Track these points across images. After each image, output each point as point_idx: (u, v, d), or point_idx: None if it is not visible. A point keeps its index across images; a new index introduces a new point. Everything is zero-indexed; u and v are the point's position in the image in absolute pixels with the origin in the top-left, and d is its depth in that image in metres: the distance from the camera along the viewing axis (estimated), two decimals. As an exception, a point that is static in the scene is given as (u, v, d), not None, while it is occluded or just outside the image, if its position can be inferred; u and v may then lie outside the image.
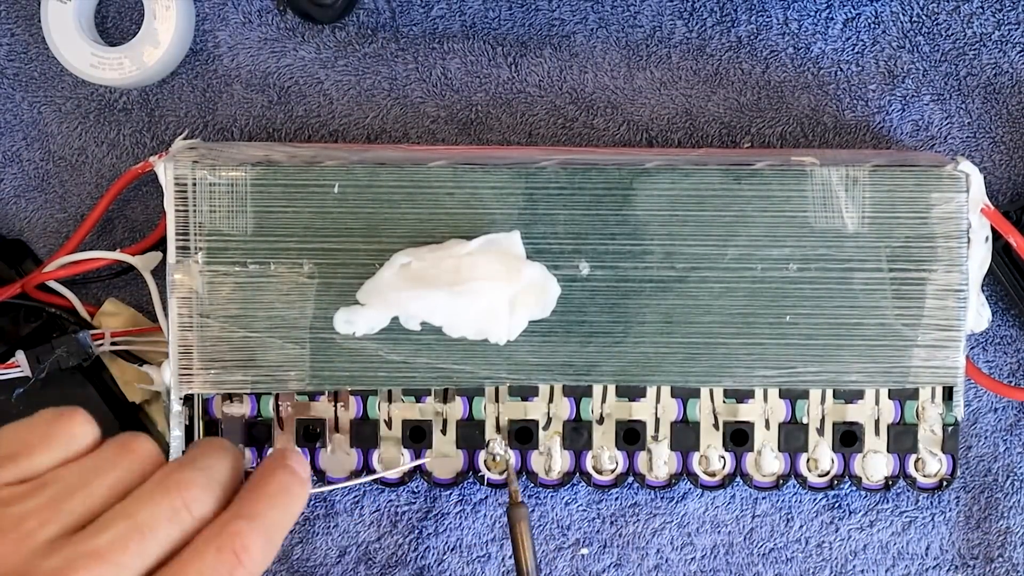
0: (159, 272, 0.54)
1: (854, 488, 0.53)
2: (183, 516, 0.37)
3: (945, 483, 0.52)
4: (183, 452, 0.40)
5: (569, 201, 0.50)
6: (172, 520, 0.37)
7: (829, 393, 0.51)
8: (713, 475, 0.52)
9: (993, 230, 0.51)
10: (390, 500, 0.56)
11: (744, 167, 0.50)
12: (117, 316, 0.55)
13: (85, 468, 0.38)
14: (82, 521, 0.37)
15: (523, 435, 0.52)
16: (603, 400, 0.51)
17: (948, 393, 0.51)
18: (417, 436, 0.52)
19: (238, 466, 0.40)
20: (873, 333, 0.50)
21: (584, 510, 0.56)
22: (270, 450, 0.49)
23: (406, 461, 0.52)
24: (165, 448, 0.53)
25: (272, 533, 0.38)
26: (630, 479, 0.52)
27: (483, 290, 0.47)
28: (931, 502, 0.56)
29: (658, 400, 0.51)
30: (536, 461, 0.52)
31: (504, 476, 0.52)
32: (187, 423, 0.51)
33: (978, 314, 0.51)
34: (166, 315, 0.51)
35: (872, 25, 0.56)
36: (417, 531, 0.56)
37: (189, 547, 0.37)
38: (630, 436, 0.52)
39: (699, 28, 0.56)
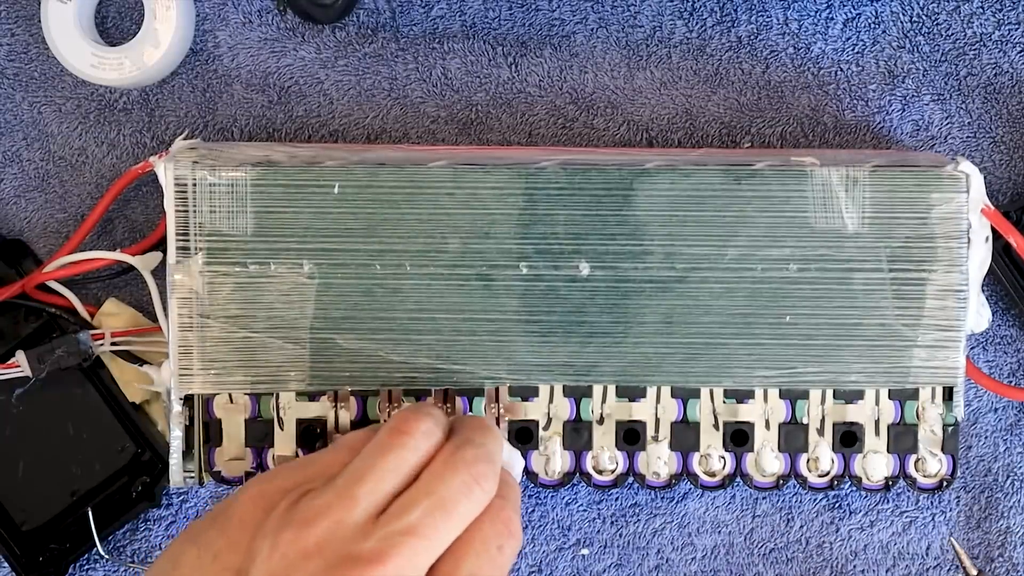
0: (159, 272, 0.54)
1: (854, 488, 0.53)
2: (476, 491, 0.40)
3: (945, 483, 0.52)
4: (451, 428, 0.44)
5: (569, 201, 0.50)
6: (467, 495, 0.40)
7: (829, 393, 0.51)
8: (713, 475, 0.52)
9: (993, 230, 0.51)
10: (390, 500, 0.56)
11: (744, 167, 0.50)
12: (117, 316, 0.55)
13: (366, 454, 0.41)
14: (379, 504, 0.40)
15: (523, 435, 0.52)
16: (603, 400, 0.51)
17: (948, 393, 0.51)
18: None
19: (500, 440, 0.44)
20: (873, 333, 0.50)
21: (584, 510, 0.56)
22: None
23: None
24: (165, 449, 0.53)
25: (519, 515, 0.43)
26: (630, 479, 0.52)
27: None
28: (931, 502, 0.56)
29: (658, 400, 0.51)
30: (536, 461, 0.52)
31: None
32: (187, 423, 0.51)
33: (978, 314, 0.51)
34: (166, 315, 0.51)
35: (872, 25, 0.56)
36: (417, 531, 0.56)
37: (472, 523, 0.40)
38: (630, 436, 0.52)
39: (699, 28, 0.56)
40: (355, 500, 0.39)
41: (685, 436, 0.52)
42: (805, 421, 0.51)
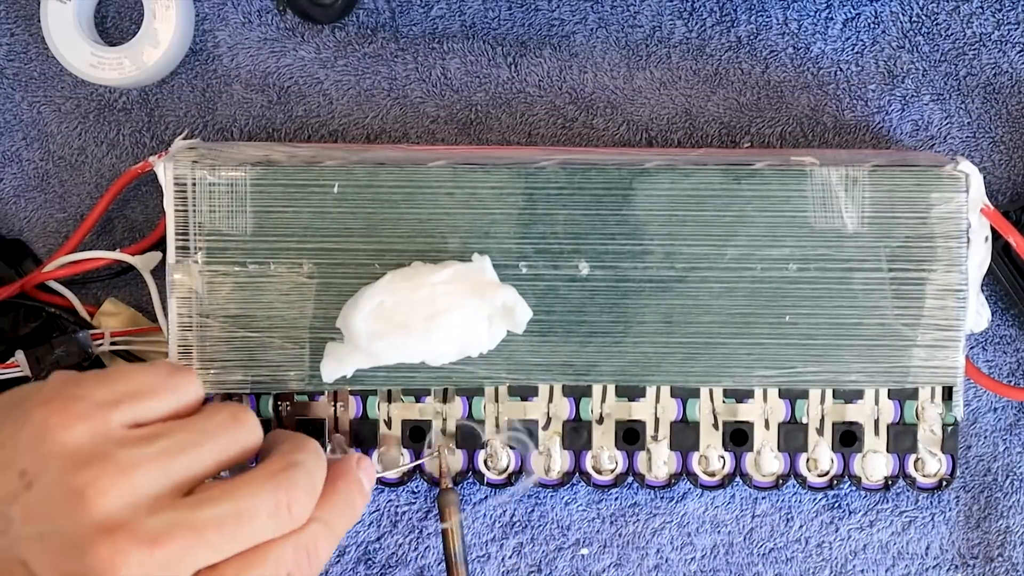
0: (159, 272, 0.54)
1: (854, 488, 0.53)
2: (282, 515, 0.39)
3: (945, 483, 0.52)
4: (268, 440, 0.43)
5: (569, 201, 0.50)
6: (271, 516, 0.38)
7: (829, 393, 0.51)
8: (713, 475, 0.52)
9: (993, 230, 0.51)
10: (390, 500, 0.56)
11: (744, 167, 0.50)
12: (117, 316, 0.55)
13: (195, 429, 0.39)
14: (187, 482, 0.38)
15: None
16: (603, 400, 0.51)
17: (948, 393, 0.51)
18: (417, 436, 0.52)
19: (321, 461, 0.42)
20: (873, 333, 0.50)
21: (584, 510, 0.56)
22: (347, 453, 0.49)
23: (406, 461, 0.52)
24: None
25: (337, 540, 0.41)
26: (630, 479, 0.52)
27: (460, 318, 0.47)
28: (931, 502, 0.56)
29: (658, 400, 0.51)
30: (536, 461, 0.52)
31: (503, 477, 0.52)
32: (187, 423, 0.51)
33: (978, 314, 0.51)
34: (166, 315, 0.51)
35: (872, 25, 0.56)
36: (417, 531, 0.56)
37: (281, 546, 0.39)
38: (630, 436, 0.52)
39: (699, 28, 0.56)
40: (166, 469, 0.38)
41: (685, 436, 0.52)
42: (805, 421, 0.51)
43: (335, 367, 0.49)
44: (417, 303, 0.47)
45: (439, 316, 0.47)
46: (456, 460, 0.52)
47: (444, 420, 0.52)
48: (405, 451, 0.52)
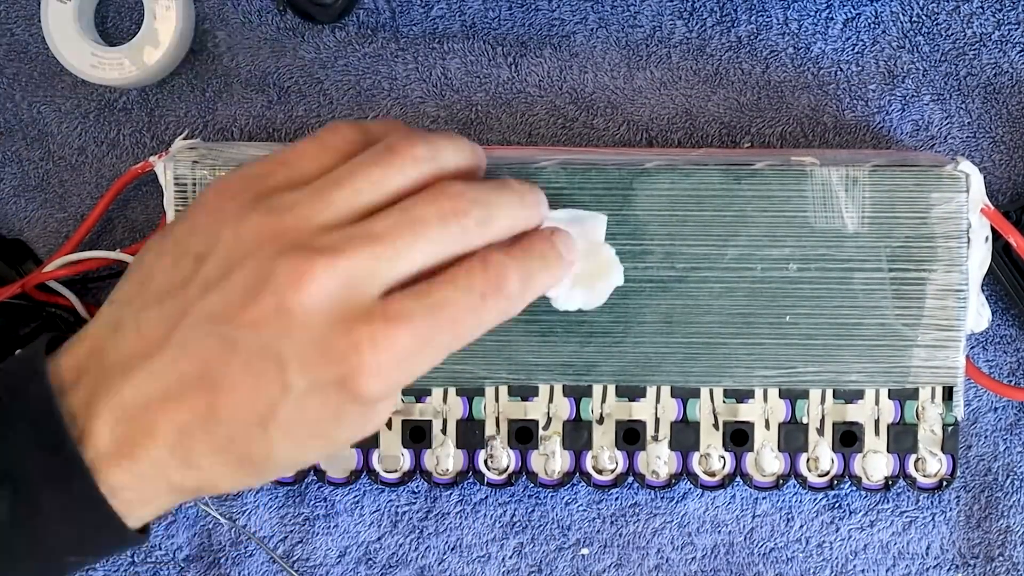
0: (159, 272, 0.54)
1: (854, 488, 0.53)
2: (452, 224, 0.38)
3: (945, 483, 0.52)
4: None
5: (569, 201, 0.50)
6: (443, 225, 0.38)
7: (829, 393, 0.51)
8: (713, 475, 0.52)
9: (993, 230, 0.51)
10: (390, 500, 0.56)
11: (744, 167, 0.50)
12: (117, 316, 0.55)
13: (351, 163, 0.39)
14: (352, 214, 0.38)
15: (523, 435, 0.52)
16: (603, 400, 0.51)
17: (948, 393, 0.51)
18: (417, 436, 0.52)
19: (511, 199, 0.41)
20: (873, 333, 0.50)
21: (584, 510, 0.56)
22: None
23: (405, 461, 0.52)
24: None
25: (529, 284, 0.40)
26: (630, 479, 0.52)
27: None
28: (931, 502, 0.56)
29: (658, 400, 0.51)
30: (536, 461, 0.52)
31: (503, 477, 0.52)
32: (187, 423, 0.51)
33: (978, 314, 0.51)
34: (166, 315, 0.51)
35: (872, 25, 0.56)
36: (417, 531, 0.56)
37: (460, 261, 0.38)
38: (630, 436, 0.52)
39: (699, 28, 0.56)
40: (327, 202, 0.38)
41: (685, 436, 0.52)
42: (805, 421, 0.51)
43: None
44: None
45: None
46: (457, 459, 0.52)
47: (444, 420, 0.52)
48: (405, 451, 0.52)
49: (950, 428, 0.51)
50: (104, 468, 0.36)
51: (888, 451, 0.52)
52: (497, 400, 0.51)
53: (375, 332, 0.36)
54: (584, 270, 0.46)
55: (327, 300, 0.36)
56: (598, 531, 0.56)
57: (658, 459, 0.52)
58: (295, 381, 0.36)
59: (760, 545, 0.56)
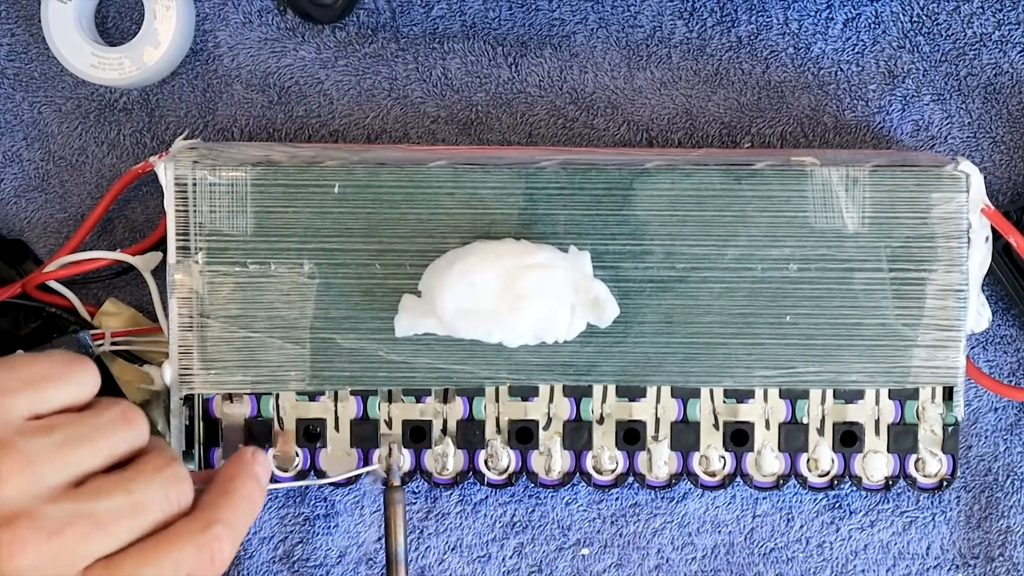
0: (159, 272, 0.54)
1: (854, 488, 0.53)
2: (172, 505, 0.40)
3: (945, 483, 0.52)
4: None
5: (569, 201, 0.50)
6: (163, 507, 0.39)
7: (829, 393, 0.51)
8: (713, 475, 0.52)
9: (993, 230, 0.51)
10: (390, 500, 0.56)
11: (744, 167, 0.50)
12: (117, 316, 0.55)
13: (91, 424, 0.40)
14: (83, 475, 0.39)
15: (523, 435, 0.52)
16: (603, 400, 0.51)
17: (948, 393, 0.51)
18: (417, 436, 0.52)
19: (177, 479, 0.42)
20: (873, 333, 0.50)
21: (584, 510, 0.56)
22: (240, 448, 0.48)
23: (407, 461, 0.52)
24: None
25: (239, 538, 0.41)
26: (630, 479, 0.52)
27: (546, 306, 0.47)
28: (931, 502, 0.56)
29: (658, 400, 0.51)
30: (536, 461, 0.52)
31: (504, 477, 0.52)
32: (187, 423, 0.51)
33: (978, 314, 0.51)
34: (166, 315, 0.51)
35: (872, 25, 0.56)
36: (418, 531, 0.56)
37: (169, 534, 0.39)
38: (630, 436, 0.52)
39: (699, 28, 0.56)
40: (63, 463, 0.38)
41: (685, 436, 0.52)
42: (805, 421, 0.51)
43: (408, 324, 0.48)
44: (508, 284, 0.47)
45: (526, 299, 0.47)
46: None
47: (444, 420, 0.52)
48: (405, 451, 0.52)
49: (950, 428, 0.51)
50: None
51: (888, 451, 0.52)
52: (497, 400, 0.51)
53: None
54: (581, 301, 0.47)
55: (31, 572, 0.36)
56: (598, 531, 0.56)
57: (658, 459, 0.52)
58: None
59: (760, 545, 0.56)
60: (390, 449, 0.51)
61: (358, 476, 0.52)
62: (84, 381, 0.41)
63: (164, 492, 0.39)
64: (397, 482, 0.51)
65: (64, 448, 0.38)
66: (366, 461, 0.52)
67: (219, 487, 0.42)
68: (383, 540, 0.53)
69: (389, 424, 0.52)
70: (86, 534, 0.37)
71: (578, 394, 0.51)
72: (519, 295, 0.47)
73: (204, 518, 0.40)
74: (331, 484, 0.52)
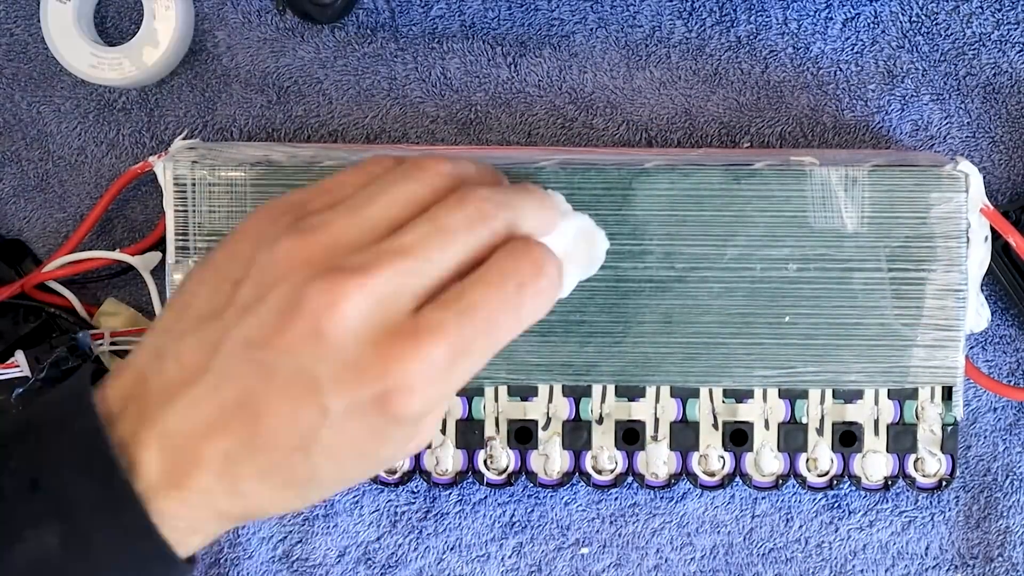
0: (159, 272, 0.54)
1: (854, 488, 0.53)
2: (480, 227, 0.38)
3: (944, 483, 0.52)
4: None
5: (568, 201, 0.50)
6: (470, 228, 0.38)
7: (828, 393, 0.51)
8: (712, 475, 0.52)
9: (992, 230, 0.51)
10: (390, 500, 0.56)
11: (743, 167, 0.50)
12: (117, 316, 0.55)
13: (382, 181, 0.39)
14: (383, 228, 0.38)
15: (523, 435, 0.52)
16: (602, 400, 0.51)
17: (947, 393, 0.51)
18: (416, 436, 0.52)
19: (533, 202, 0.41)
20: (872, 333, 0.50)
21: (584, 510, 0.56)
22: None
23: (406, 461, 0.52)
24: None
25: (560, 268, 0.40)
26: (629, 479, 0.52)
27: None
28: (931, 502, 0.56)
29: (657, 400, 0.51)
30: (536, 461, 0.52)
31: (503, 477, 0.52)
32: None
33: (977, 314, 0.51)
34: (165, 315, 0.51)
35: (871, 25, 0.56)
36: (417, 531, 0.56)
37: (499, 252, 0.38)
38: (629, 436, 0.52)
39: (698, 28, 0.56)
40: (358, 219, 0.38)
41: (684, 436, 0.52)
42: (804, 421, 0.51)
43: None
44: None
45: None
46: (457, 459, 0.52)
47: (444, 420, 0.52)
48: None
49: (949, 428, 0.51)
50: (154, 498, 0.36)
51: (887, 451, 0.52)
52: (497, 400, 0.51)
53: (406, 350, 0.36)
54: (570, 246, 0.46)
55: (360, 321, 0.36)
56: (597, 531, 0.56)
57: (657, 459, 0.52)
58: (333, 404, 0.36)
59: (759, 545, 0.56)
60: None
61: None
62: (376, 168, 0.41)
63: (466, 215, 0.38)
64: None
65: (357, 209, 0.38)
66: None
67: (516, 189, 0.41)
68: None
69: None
70: (401, 267, 0.37)
71: (577, 394, 0.51)
72: None
73: (519, 236, 0.39)
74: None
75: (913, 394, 0.51)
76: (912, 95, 0.56)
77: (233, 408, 0.36)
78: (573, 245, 0.44)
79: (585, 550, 0.56)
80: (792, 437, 0.51)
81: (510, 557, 0.56)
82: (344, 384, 0.36)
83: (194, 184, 0.50)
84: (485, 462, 0.52)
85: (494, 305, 0.37)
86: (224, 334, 0.37)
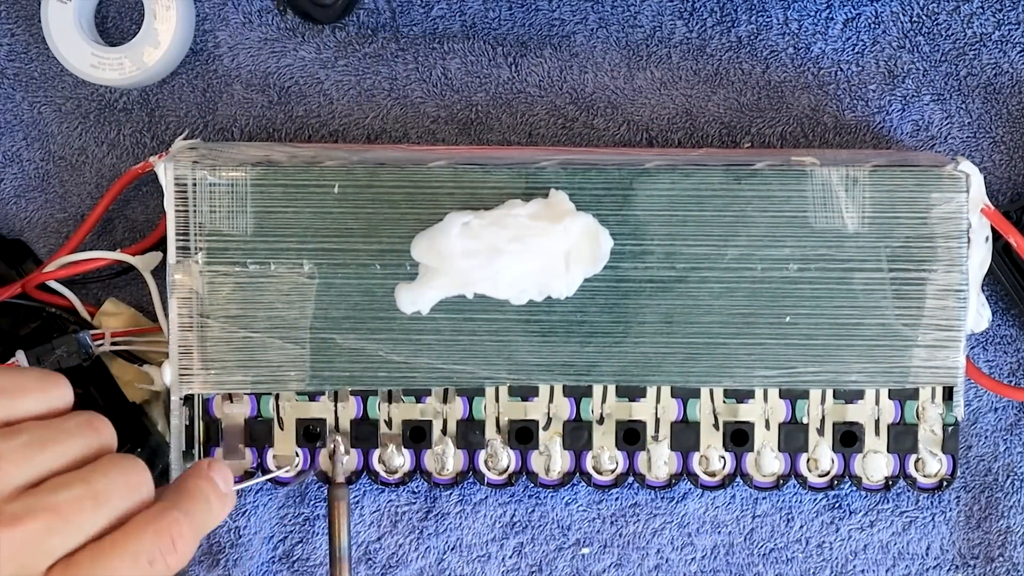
0: (159, 272, 0.54)
1: (854, 488, 0.53)
2: (132, 495, 0.40)
3: (945, 483, 0.52)
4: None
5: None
6: (122, 496, 0.40)
7: (829, 393, 0.51)
8: (713, 475, 0.52)
9: (993, 230, 0.51)
10: (391, 500, 0.56)
11: (744, 167, 0.50)
12: (117, 316, 0.55)
13: (57, 428, 0.40)
14: (45, 475, 0.39)
15: (523, 435, 0.52)
16: (603, 400, 0.51)
17: (948, 393, 0.51)
18: (417, 436, 0.52)
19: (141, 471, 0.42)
20: (873, 333, 0.50)
21: (584, 510, 0.56)
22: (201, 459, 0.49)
23: (406, 462, 0.52)
24: (165, 449, 0.53)
25: (199, 531, 0.42)
26: (630, 479, 0.52)
27: (541, 248, 0.47)
28: (931, 502, 0.56)
29: (658, 400, 0.51)
30: (536, 461, 0.52)
31: (503, 477, 0.52)
32: (187, 423, 0.51)
33: (978, 314, 0.51)
34: (166, 315, 0.51)
35: (872, 25, 0.56)
36: (417, 531, 0.56)
37: (128, 525, 0.39)
38: (630, 436, 0.52)
39: (699, 28, 0.56)
40: (27, 464, 0.39)
41: (685, 436, 0.51)
42: (805, 421, 0.51)
43: (411, 296, 0.48)
44: (503, 228, 0.47)
45: (524, 240, 0.47)
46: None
47: (444, 420, 0.52)
48: (405, 451, 0.52)
49: (950, 428, 0.51)
50: None
51: (888, 451, 0.52)
52: (497, 400, 0.51)
53: None
54: (574, 245, 0.46)
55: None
56: (598, 531, 0.56)
57: (658, 459, 0.52)
58: None
59: (760, 545, 0.56)
60: (335, 447, 0.51)
61: (300, 473, 0.52)
62: (56, 394, 0.41)
63: (124, 480, 0.40)
64: (341, 479, 0.51)
65: (28, 449, 0.39)
66: (367, 461, 0.52)
67: (175, 486, 0.43)
68: (328, 538, 0.53)
69: (389, 424, 0.52)
70: (48, 525, 0.38)
71: (578, 394, 0.51)
72: (515, 238, 0.47)
73: (161, 507, 0.40)
74: (277, 483, 0.52)
75: (914, 394, 0.51)
76: (913, 95, 0.56)
77: None
78: (576, 244, 0.44)
79: (586, 550, 0.56)
80: (793, 437, 0.51)
81: (511, 557, 0.56)
82: None
83: (195, 184, 0.50)
84: (486, 462, 0.52)
85: None
86: None
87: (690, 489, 0.56)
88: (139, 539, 0.39)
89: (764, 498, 0.56)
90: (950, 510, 0.56)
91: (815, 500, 0.56)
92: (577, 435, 0.51)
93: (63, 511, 0.38)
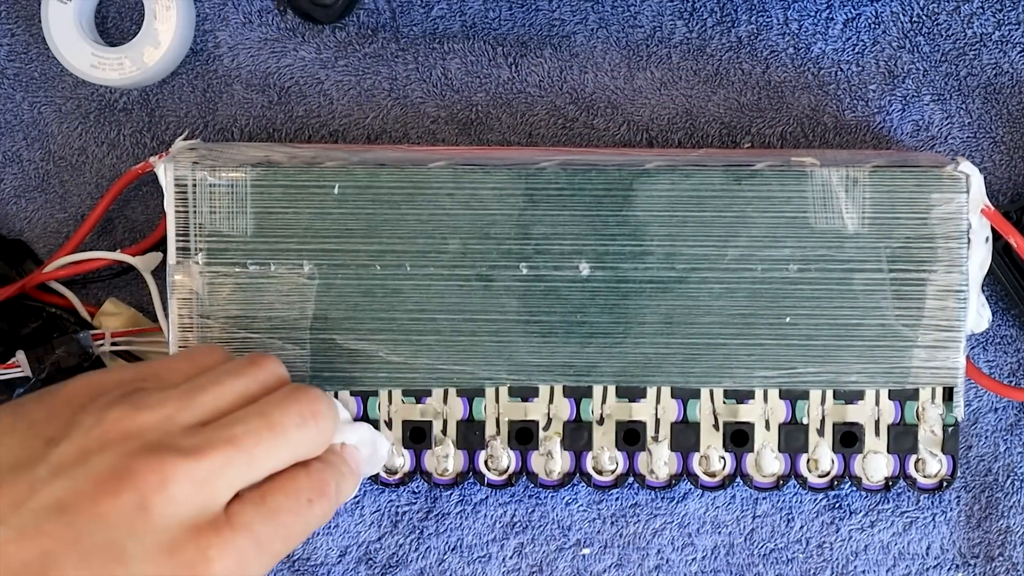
0: (159, 273, 0.54)
1: (854, 488, 0.53)
2: (309, 426, 0.41)
3: (945, 483, 0.52)
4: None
5: (569, 202, 0.50)
6: (299, 426, 0.41)
7: (829, 394, 0.51)
8: (713, 476, 0.52)
9: (993, 230, 0.51)
10: (391, 500, 0.56)
11: (744, 168, 0.50)
12: (117, 316, 0.55)
13: (216, 371, 0.42)
14: (213, 415, 0.40)
15: (523, 436, 0.52)
16: (603, 401, 0.51)
17: (948, 393, 0.51)
18: (417, 436, 0.52)
19: (336, 417, 0.45)
20: (873, 334, 0.50)
21: (584, 511, 0.56)
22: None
23: (406, 462, 0.52)
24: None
25: (340, 489, 0.44)
26: (630, 480, 0.52)
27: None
28: (931, 502, 0.56)
29: (658, 401, 0.51)
30: (536, 462, 0.52)
31: (504, 477, 0.52)
32: (187, 424, 0.51)
33: (978, 314, 0.51)
34: (166, 316, 0.51)
35: (872, 25, 0.56)
36: (418, 531, 0.56)
37: (285, 470, 0.41)
38: (630, 437, 0.52)
39: (699, 28, 0.56)
40: (191, 404, 0.39)
41: (685, 436, 0.52)
42: (805, 421, 0.51)
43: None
44: None
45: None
46: (458, 460, 0.52)
47: (444, 421, 0.52)
48: (405, 451, 0.52)
49: (950, 429, 0.51)
50: None
51: (888, 452, 0.52)
52: (497, 401, 0.51)
53: (223, 541, 0.38)
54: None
55: (184, 505, 0.37)
56: (598, 531, 0.56)
57: (658, 460, 0.52)
58: None
59: (760, 546, 0.56)
60: None
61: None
62: (208, 361, 0.43)
63: (298, 410, 0.41)
64: None
65: (191, 394, 0.40)
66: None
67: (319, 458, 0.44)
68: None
69: (389, 424, 0.52)
70: (228, 457, 0.38)
71: (578, 395, 0.51)
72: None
73: (332, 452, 0.43)
74: None
75: (914, 395, 0.51)
76: (913, 95, 0.56)
77: (24, 569, 0.36)
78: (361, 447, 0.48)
79: (586, 551, 0.56)
80: (793, 438, 0.51)
81: (511, 558, 0.56)
82: (154, 564, 0.36)
83: (195, 184, 0.50)
84: (486, 462, 0.52)
85: (290, 514, 0.40)
86: (31, 490, 0.37)
87: (690, 489, 0.56)
88: (298, 482, 0.41)
89: (764, 498, 0.56)
90: (950, 510, 0.56)
91: (815, 500, 0.56)
92: (577, 435, 0.52)
93: (241, 443, 0.39)
